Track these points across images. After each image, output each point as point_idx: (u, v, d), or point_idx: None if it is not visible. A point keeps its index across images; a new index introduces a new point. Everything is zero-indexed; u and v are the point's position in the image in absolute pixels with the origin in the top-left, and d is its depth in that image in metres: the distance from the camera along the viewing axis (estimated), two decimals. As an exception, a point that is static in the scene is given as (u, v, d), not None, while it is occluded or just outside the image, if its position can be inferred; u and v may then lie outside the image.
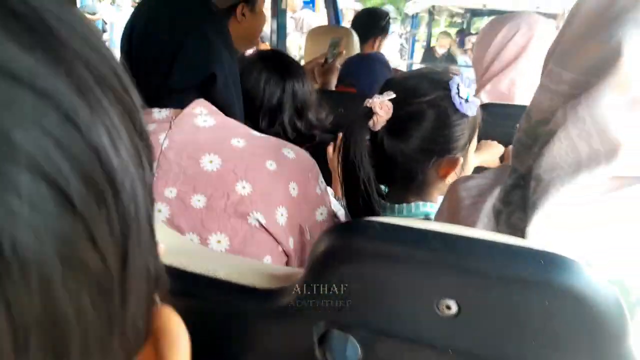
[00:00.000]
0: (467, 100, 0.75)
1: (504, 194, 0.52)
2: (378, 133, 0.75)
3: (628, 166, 0.45)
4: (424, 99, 0.74)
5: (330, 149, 1.25)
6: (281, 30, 2.44)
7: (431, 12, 6.49)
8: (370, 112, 0.73)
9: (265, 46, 3.00)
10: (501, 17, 1.34)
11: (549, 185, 0.46)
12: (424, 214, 0.77)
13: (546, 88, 0.51)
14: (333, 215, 0.82)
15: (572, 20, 0.53)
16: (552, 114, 0.49)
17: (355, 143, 0.73)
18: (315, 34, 2.36)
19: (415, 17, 6.60)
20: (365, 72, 1.70)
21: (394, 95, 0.73)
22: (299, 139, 1.04)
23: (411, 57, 6.60)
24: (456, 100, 0.74)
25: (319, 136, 1.15)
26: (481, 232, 0.39)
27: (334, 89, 1.75)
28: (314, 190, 0.76)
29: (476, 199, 0.57)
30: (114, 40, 5.60)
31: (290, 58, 1.15)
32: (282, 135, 1.01)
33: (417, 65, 6.20)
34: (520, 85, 1.24)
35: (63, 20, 0.16)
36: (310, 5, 6.13)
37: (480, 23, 6.39)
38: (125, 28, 0.75)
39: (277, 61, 1.05)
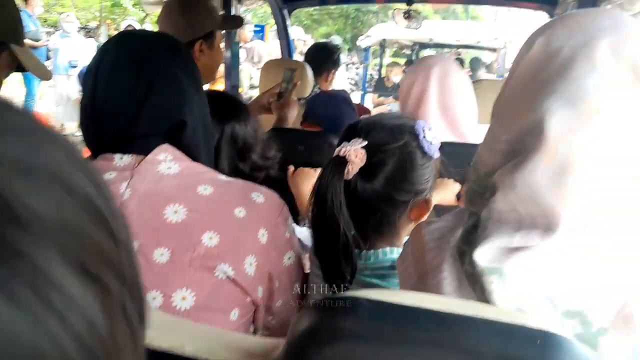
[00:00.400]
0: (431, 143, 0.78)
1: (465, 234, 0.53)
2: (350, 180, 0.76)
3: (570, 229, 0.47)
4: (394, 145, 0.76)
5: (291, 168, 1.27)
6: (234, 60, 2.47)
7: (382, 44, 6.78)
8: (344, 161, 0.74)
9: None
10: (413, 65, 1.37)
11: (490, 236, 0.49)
12: (390, 261, 0.78)
13: (488, 145, 0.54)
14: (300, 257, 0.82)
15: (511, 77, 0.54)
16: (495, 170, 0.51)
17: (334, 192, 0.73)
18: (269, 66, 2.39)
19: (367, 49, 6.88)
20: (331, 110, 1.72)
21: (365, 143, 0.74)
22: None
23: (364, 87, 6.88)
24: (424, 143, 0.77)
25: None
26: (476, 307, 0.37)
27: (291, 124, 1.76)
28: (284, 235, 0.75)
29: (439, 241, 0.59)
30: (58, 66, 5.42)
31: (233, 98, 1.13)
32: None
33: (369, 95, 6.45)
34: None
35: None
36: (260, 35, 6.26)
37: (427, 53, 6.73)
38: (89, 69, 0.72)
39: (216, 103, 1.03)
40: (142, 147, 0.69)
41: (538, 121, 0.46)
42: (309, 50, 2.59)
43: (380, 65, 7.21)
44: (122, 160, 0.68)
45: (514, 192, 0.48)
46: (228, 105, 1.04)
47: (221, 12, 2.29)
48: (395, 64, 6.99)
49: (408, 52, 8.13)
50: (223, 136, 0.98)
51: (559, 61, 0.48)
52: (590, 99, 0.45)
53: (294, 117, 1.73)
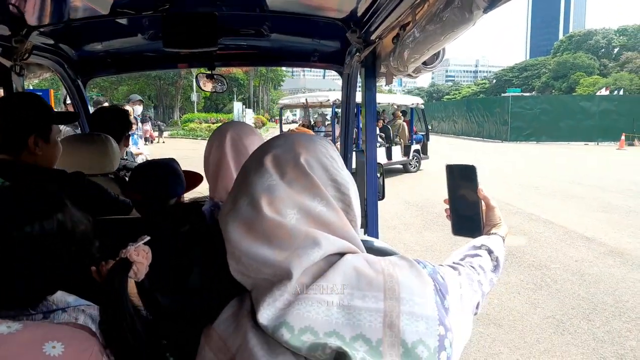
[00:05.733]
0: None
1: (251, 305, 0.69)
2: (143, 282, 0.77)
3: None
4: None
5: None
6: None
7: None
8: (127, 263, 0.75)
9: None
10: (212, 134, 1.46)
11: (259, 299, 0.67)
12: None
13: None
14: None
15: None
16: None
17: (119, 308, 0.78)
18: (70, 142, 2.20)
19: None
20: (157, 182, 1.66)
21: (148, 238, 0.78)
22: None
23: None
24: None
25: None
26: None
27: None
28: None
29: (234, 323, 0.70)
30: None
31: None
32: None
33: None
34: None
35: None
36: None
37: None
38: None
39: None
40: None
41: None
42: (99, 118, 2.41)
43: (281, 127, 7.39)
44: None
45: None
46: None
47: (-1, 89, 2.06)
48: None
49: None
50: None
51: (245, 172, 0.78)
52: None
53: None
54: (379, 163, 2.19)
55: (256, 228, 0.69)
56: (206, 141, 1.41)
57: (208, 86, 2.55)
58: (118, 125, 2.37)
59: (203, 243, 0.88)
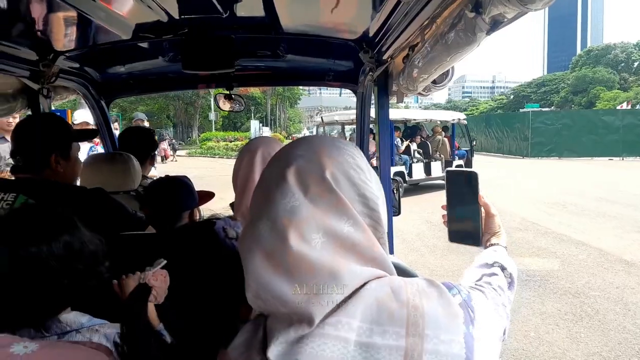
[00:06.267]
0: (236, 239, 0.88)
1: (262, 337, 0.67)
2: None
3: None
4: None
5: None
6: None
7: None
8: (146, 289, 0.77)
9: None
10: (242, 148, 1.48)
11: (273, 335, 0.64)
12: None
13: None
14: None
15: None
16: None
17: (139, 333, 0.78)
18: (94, 161, 2.29)
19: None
20: (169, 196, 1.71)
21: (164, 262, 0.79)
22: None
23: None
24: (227, 242, 0.86)
25: None
26: None
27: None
28: None
29: (249, 351, 0.67)
30: None
31: None
32: None
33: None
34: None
35: None
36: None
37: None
38: None
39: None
40: None
41: None
42: (126, 138, 2.53)
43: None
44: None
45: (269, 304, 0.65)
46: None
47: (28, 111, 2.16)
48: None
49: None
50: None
51: (265, 187, 0.72)
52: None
53: None
54: (394, 179, 2.22)
55: (278, 259, 0.64)
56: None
57: (226, 106, 2.63)
58: (143, 144, 2.47)
59: (215, 263, 0.91)
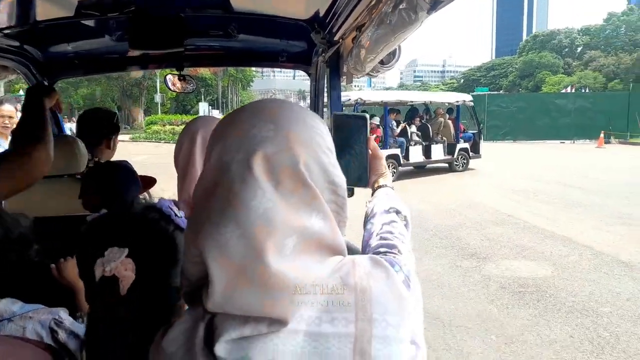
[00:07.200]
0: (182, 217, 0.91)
1: (206, 332, 0.63)
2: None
3: None
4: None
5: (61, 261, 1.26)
6: None
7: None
8: (114, 281, 0.73)
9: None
10: (183, 129, 1.48)
11: (223, 330, 0.61)
12: None
13: (188, 259, 0.66)
14: None
15: (199, 184, 0.68)
16: (202, 278, 0.63)
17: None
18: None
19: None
20: (110, 181, 1.70)
21: (127, 250, 0.77)
22: None
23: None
24: (178, 221, 0.88)
25: None
26: None
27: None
28: None
29: (187, 345, 0.64)
30: None
31: None
32: None
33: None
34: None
35: None
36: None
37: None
38: None
39: None
40: None
41: (210, 254, 0.60)
42: (82, 120, 2.50)
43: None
44: None
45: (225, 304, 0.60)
46: None
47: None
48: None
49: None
50: None
51: (227, 181, 0.62)
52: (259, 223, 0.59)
53: None
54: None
55: (251, 276, 0.59)
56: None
57: (177, 86, 2.61)
58: (98, 127, 2.42)
59: (167, 245, 0.88)
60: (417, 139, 14.07)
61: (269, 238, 0.59)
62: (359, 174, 1.09)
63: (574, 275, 5.43)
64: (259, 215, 0.59)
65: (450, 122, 14.68)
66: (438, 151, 14.30)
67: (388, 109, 13.47)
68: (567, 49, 77.62)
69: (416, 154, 13.91)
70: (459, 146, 14.58)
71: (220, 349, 0.59)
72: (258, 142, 0.63)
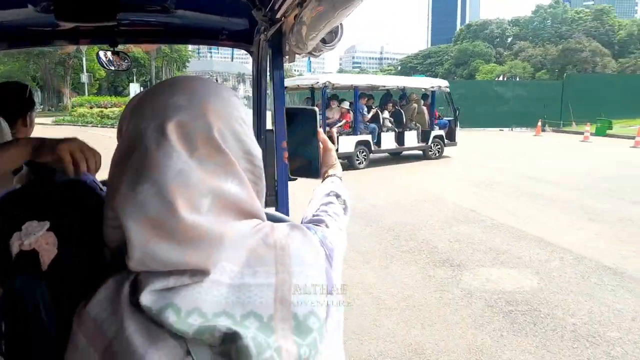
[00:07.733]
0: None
1: (132, 288, 0.64)
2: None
3: None
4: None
5: None
6: None
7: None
8: (34, 256, 0.68)
9: None
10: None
11: (148, 283, 0.63)
12: None
13: (108, 224, 0.68)
14: None
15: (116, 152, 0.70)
16: (122, 244, 0.64)
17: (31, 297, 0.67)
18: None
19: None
20: None
21: (48, 223, 0.71)
22: None
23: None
24: (103, 195, 0.86)
25: None
26: None
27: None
28: None
29: (112, 305, 0.64)
30: None
31: None
32: None
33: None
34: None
35: None
36: None
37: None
38: None
39: None
40: None
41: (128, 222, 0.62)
42: None
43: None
44: None
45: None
46: None
47: None
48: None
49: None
50: None
51: (143, 146, 0.65)
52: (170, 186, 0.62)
53: None
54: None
55: (167, 229, 0.62)
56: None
57: (112, 63, 2.51)
58: (12, 102, 2.27)
59: (86, 220, 0.81)
60: (389, 125, 13.85)
61: (184, 194, 0.62)
62: (311, 166, 1.13)
63: (563, 288, 4.82)
64: (174, 174, 0.63)
65: (424, 108, 14.43)
66: (411, 138, 14.08)
67: (359, 94, 13.22)
68: (498, 39, 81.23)
69: (389, 141, 13.67)
70: (433, 133, 14.35)
71: (145, 299, 0.61)
72: (173, 110, 0.67)
